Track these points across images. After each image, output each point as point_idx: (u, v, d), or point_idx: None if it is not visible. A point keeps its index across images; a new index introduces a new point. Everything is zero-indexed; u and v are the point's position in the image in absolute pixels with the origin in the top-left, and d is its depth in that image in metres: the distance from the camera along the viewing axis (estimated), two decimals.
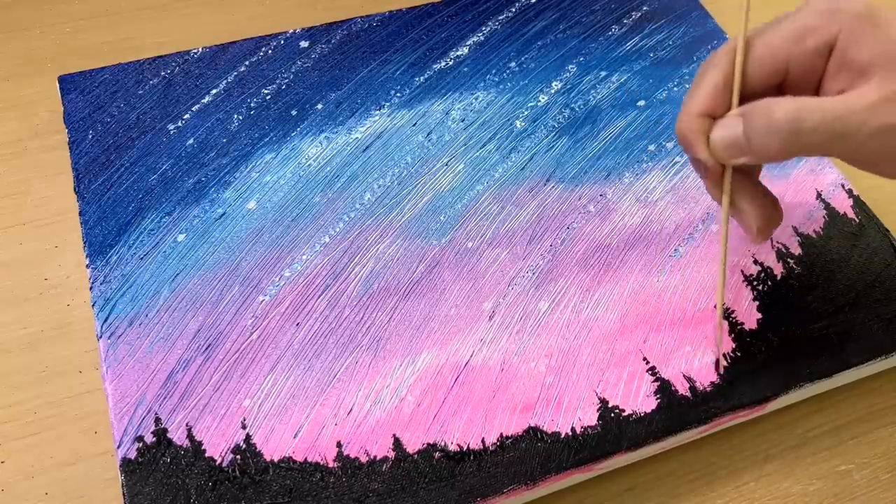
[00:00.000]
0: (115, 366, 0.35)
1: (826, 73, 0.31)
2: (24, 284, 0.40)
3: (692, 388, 0.36)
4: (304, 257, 0.39)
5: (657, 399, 0.36)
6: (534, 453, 0.34)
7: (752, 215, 0.34)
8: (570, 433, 0.35)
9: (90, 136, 0.43)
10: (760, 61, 0.32)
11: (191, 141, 0.43)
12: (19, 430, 0.36)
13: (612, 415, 0.35)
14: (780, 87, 0.33)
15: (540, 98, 0.47)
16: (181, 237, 0.40)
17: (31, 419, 0.36)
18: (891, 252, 0.41)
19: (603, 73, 0.48)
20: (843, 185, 0.44)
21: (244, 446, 0.34)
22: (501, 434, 0.35)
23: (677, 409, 0.36)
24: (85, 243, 0.39)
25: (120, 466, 0.33)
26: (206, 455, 0.33)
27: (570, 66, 0.49)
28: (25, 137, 0.46)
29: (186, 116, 0.44)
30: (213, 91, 0.45)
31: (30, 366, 0.38)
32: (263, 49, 0.48)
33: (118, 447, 0.33)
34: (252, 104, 0.45)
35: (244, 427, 0.34)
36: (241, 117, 0.45)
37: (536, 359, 0.37)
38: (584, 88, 0.47)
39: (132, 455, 0.33)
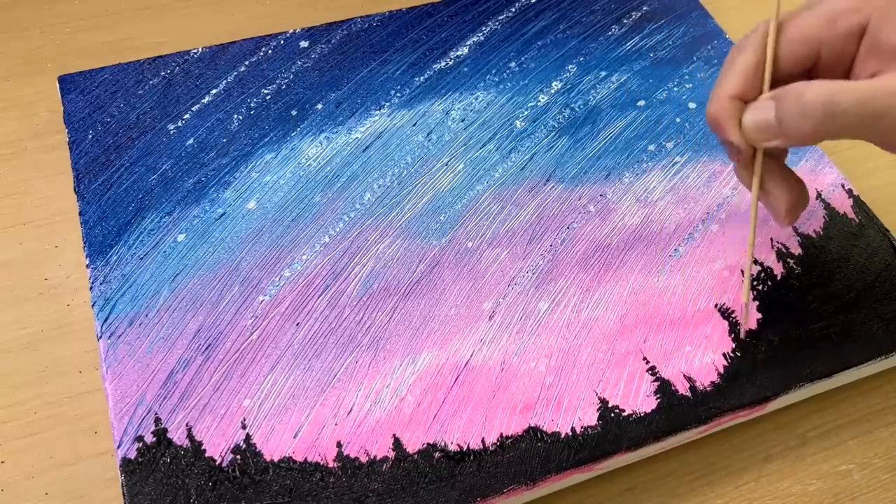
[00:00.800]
0: (115, 366, 0.35)
1: (857, 57, 0.32)
2: (24, 284, 0.40)
3: (692, 388, 0.36)
4: (304, 257, 0.39)
5: (657, 399, 0.36)
6: (534, 453, 0.34)
7: (780, 198, 0.34)
8: (570, 433, 0.35)
9: (90, 136, 0.43)
10: (792, 45, 0.32)
11: (191, 141, 0.43)
12: (19, 430, 0.36)
13: (612, 415, 0.35)
14: (811, 71, 0.33)
15: (540, 98, 0.47)
16: (181, 237, 0.40)
17: (31, 419, 0.36)
18: (891, 252, 0.41)
19: (603, 73, 0.48)
20: (843, 185, 0.44)
21: (244, 446, 0.34)
22: (501, 434, 0.35)
23: (677, 409, 0.36)
24: (85, 243, 0.39)
25: (120, 466, 0.33)
26: (206, 455, 0.33)
27: (570, 66, 0.49)
28: (25, 137, 0.46)
29: (186, 116, 0.44)
30: (213, 91, 0.45)
31: (30, 366, 0.38)
32: (263, 49, 0.48)
33: (118, 447, 0.33)
34: (252, 104, 0.45)
35: (244, 427, 0.34)
36: (241, 117, 0.45)
37: (536, 359, 0.37)
38: (584, 88, 0.47)
39: (132, 455, 0.33)
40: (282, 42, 0.48)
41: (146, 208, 0.41)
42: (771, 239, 0.41)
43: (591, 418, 0.35)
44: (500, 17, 0.51)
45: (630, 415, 0.35)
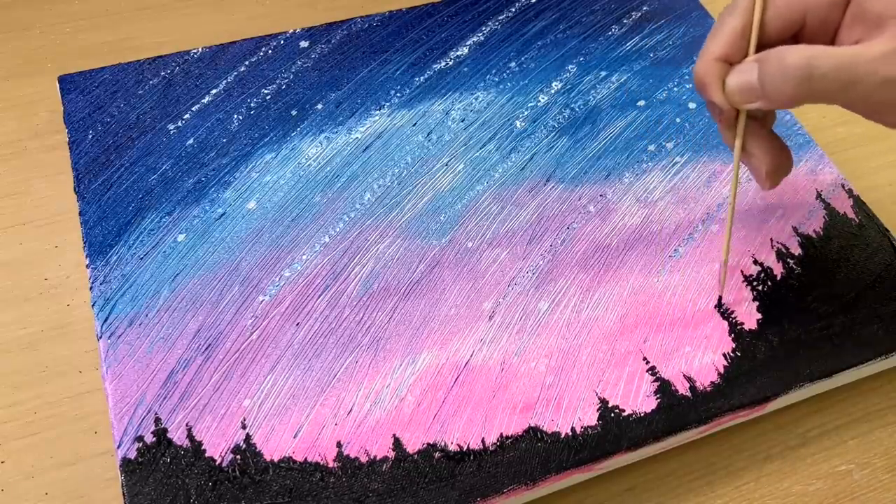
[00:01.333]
0: (115, 366, 0.35)
1: (842, 25, 0.32)
2: (24, 284, 0.40)
3: (692, 388, 0.36)
4: (304, 257, 0.39)
5: (657, 399, 0.36)
6: (534, 453, 0.34)
7: (762, 160, 0.35)
8: (570, 433, 0.35)
9: (90, 136, 0.43)
10: (778, 10, 0.33)
11: (191, 141, 0.43)
12: (19, 430, 0.36)
13: (612, 415, 0.35)
14: (797, 37, 0.34)
15: (540, 98, 0.47)
16: (181, 237, 0.40)
17: (31, 419, 0.36)
18: (891, 252, 0.41)
19: (603, 73, 0.48)
20: (843, 186, 0.44)
21: (244, 446, 0.34)
22: (501, 434, 0.34)
23: (677, 409, 0.36)
24: (85, 243, 0.39)
25: (120, 466, 0.33)
26: (206, 455, 0.33)
27: (570, 66, 0.49)
28: (25, 137, 0.46)
29: (186, 116, 0.44)
30: (213, 91, 0.45)
31: (30, 366, 0.38)
32: (263, 49, 0.48)
33: (118, 447, 0.33)
34: (252, 104, 0.45)
35: (244, 427, 0.34)
36: (241, 117, 0.45)
37: (536, 359, 0.37)
38: (584, 88, 0.47)
39: (132, 455, 0.33)
40: (282, 42, 0.48)
41: (146, 208, 0.41)
42: (771, 239, 0.41)
43: (591, 418, 0.35)
44: (500, 17, 0.51)
45: (630, 415, 0.35)
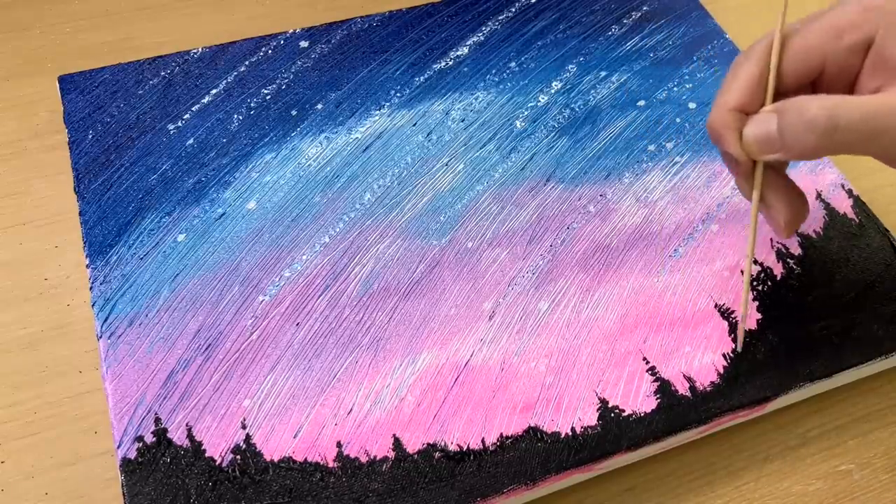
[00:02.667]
0: (115, 366, 0.35)
1: (862, 72, 0.31)
2: (24, 284, 0.40)
3: (692, 388, 0.36)
4: (304, 257, 0.39)
5: (657, 399, 0.36)
6: (534, 453, 0.34)
7: (780, 210, 0.34)
8: (570, 433, 0.35)
9: (90, 136, 0.43)
10: (796, 57, 0.32)
11: (191, 141, 0.43)
12: (19, 430, 0.36)
13: (612, 415, 0.35)
14: (815, 84, 0.33)
15: (540, 98, 0.47)
16: (181, 237, 0.40)
17: (31, 419, 0.36)
18: (891, 252, 0.41)
19: (603, 73, 0.48)
20: (842, 186, 0.44)
21: (244, 446, 0.34)
22: (501, 434, 0.34)
23: (677, 409, 0.36)
24: (85, 243, 0.39)
25: (120, 466, 0.33)
26: (206, 455, 0.33)
27: (570, 66, 0.49)
28: (25, 137, 0.46)
29: (186, 116, 0.44)
30: (213, 91, 0.45)
31: (30, 366, 0.38)
32: (263, 49, 0.48)
33: (118, 447, 0.33)
34: (252, 104, 0.45)
35: (244, 427, 0.34)
36: (241, 117, 0.45)
37: (536, 359, 0.37)
38: (584, 88, 0.47)
39: (132, 455, 0.33)
40: (282, 42, 0.48)
41: (146, 208, 0.41)
42: (771, 239, 0.41)
43: (590, 418, 0.35)
44: (500, 17, 0.51)
45: (630, 415, 0.35)
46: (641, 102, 0.47)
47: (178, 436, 0.34)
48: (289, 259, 0.39)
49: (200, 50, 0.47)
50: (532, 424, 0.35)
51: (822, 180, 0.44)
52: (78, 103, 0.44)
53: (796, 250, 0.41)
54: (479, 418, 0.35)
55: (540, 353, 0.37)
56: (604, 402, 0.36)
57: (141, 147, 0.43)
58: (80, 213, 0.40)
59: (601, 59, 0.49)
